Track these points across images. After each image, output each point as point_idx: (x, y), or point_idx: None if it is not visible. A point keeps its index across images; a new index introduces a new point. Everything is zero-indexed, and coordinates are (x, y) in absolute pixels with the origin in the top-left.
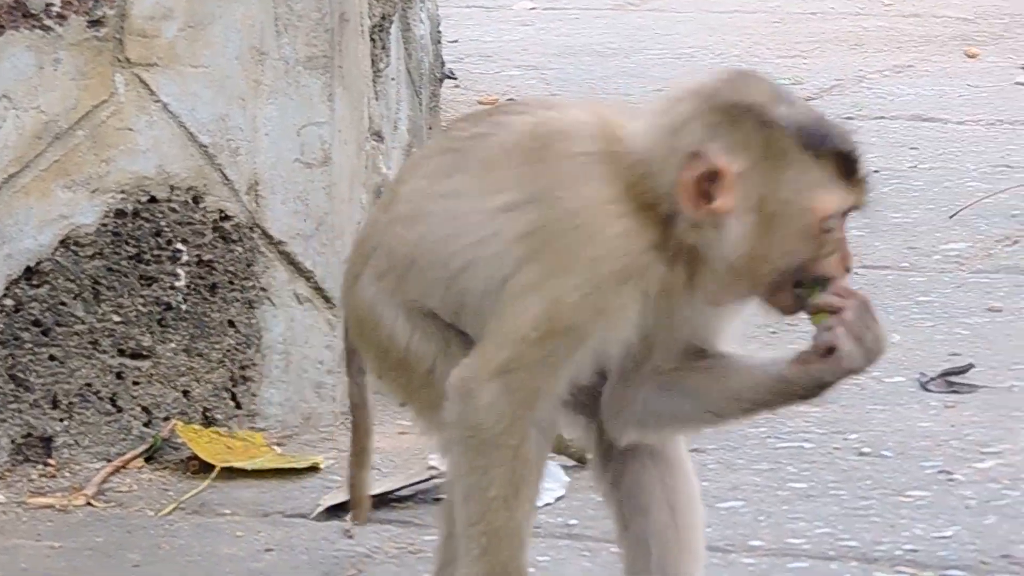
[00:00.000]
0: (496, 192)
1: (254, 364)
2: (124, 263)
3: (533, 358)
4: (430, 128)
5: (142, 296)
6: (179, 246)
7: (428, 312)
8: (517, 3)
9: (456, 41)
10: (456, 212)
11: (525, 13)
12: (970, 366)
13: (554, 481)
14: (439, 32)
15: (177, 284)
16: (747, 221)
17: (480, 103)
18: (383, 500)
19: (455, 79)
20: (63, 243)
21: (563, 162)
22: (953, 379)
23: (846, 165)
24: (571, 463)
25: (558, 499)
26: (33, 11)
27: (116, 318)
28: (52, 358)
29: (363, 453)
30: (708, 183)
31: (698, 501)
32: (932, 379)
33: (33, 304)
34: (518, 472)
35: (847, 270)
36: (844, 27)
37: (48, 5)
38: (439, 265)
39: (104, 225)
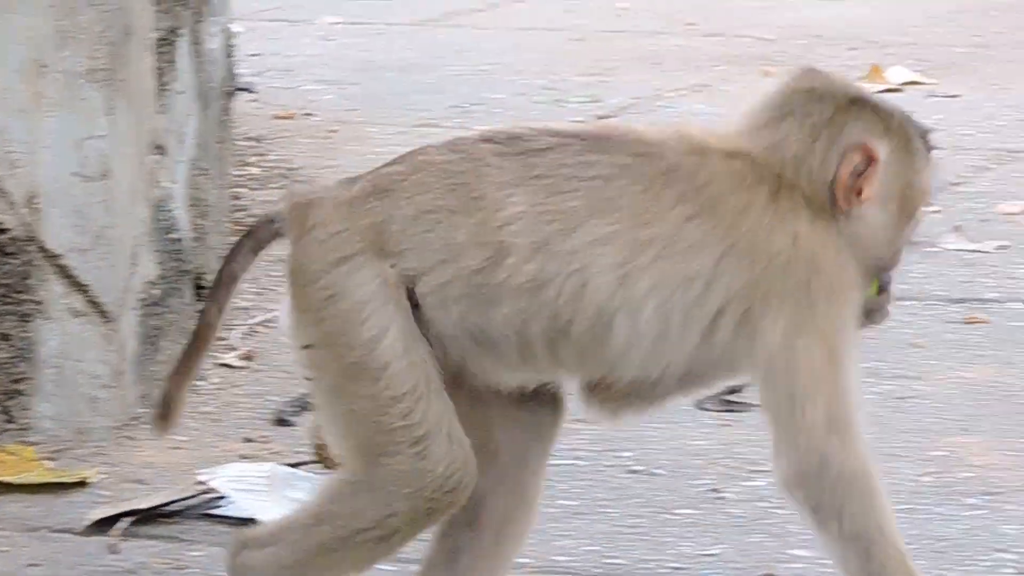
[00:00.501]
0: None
1: (27, 378)
2: None
3: (840, 390)
4: (220, 142)
5: None
6: None
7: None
8: (320, 17)
9: (258, 55)
10: (615, 262)
11: (328, 28)
12: (745, 385)
13: None
14: (231, 46)
15: None
16: (886, 209)
17: (276, 117)
18: (149, 516)
19: (253, 93)
20: None
21: (747, 209)
22: (728, 397)
23: (930, 153)
24: None
25: None
26: None
27: None
28: None
29: (193, 365)
30: (857, 176)
31: (523, 541)
32: (707, 398)
33: None
34: (880, 489)
35: None
36: (645, 46)
37: None
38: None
39: None
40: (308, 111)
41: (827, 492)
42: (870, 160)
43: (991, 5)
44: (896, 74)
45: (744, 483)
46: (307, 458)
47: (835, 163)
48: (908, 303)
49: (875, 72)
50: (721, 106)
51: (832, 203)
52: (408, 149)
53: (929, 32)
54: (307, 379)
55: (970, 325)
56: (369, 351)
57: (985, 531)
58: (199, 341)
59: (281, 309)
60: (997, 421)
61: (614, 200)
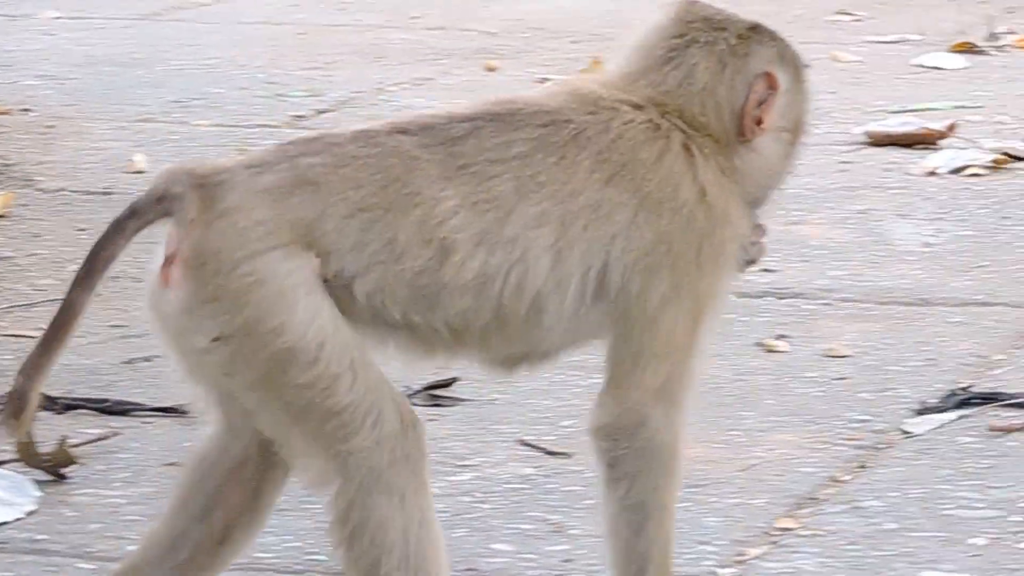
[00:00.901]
0: (589, 204)
1: None
2: None
3: (687, 363)
4: None
5: None
6: None
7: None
8: (41, 12)
9: None
10: (537, 237)
11: (49, 22)
12: (455, 379)
13: (24, 496)
14: None
15: None
16: (780, 139)
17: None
18: None
19: None
20: None
21: (660, 159)
22: (437, 392)
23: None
24: (46, 477)
25: (29, 514)
26: None
27: None
28: None
29: (53, 356)
30: (759, 105)
31: (250, 543)
32: (416, 392)
33: None
34: (680, 471)
35: None
36: (368, 39)
37: None
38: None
39: None
40: (26, 106)
41: (632, 453)
42: (773, 89)
43: None
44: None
45: (449, 477)
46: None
47: (742, 92)
48: None
49: (595, 65)
50: (443, 100)
51: (736, 133)
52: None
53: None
54: (214, 379)
55: None
56: (302, 334)
57: (688, 523)
58: (61, 330)
59: (159, 303)
60: (703, 414)
61: (536, 177)
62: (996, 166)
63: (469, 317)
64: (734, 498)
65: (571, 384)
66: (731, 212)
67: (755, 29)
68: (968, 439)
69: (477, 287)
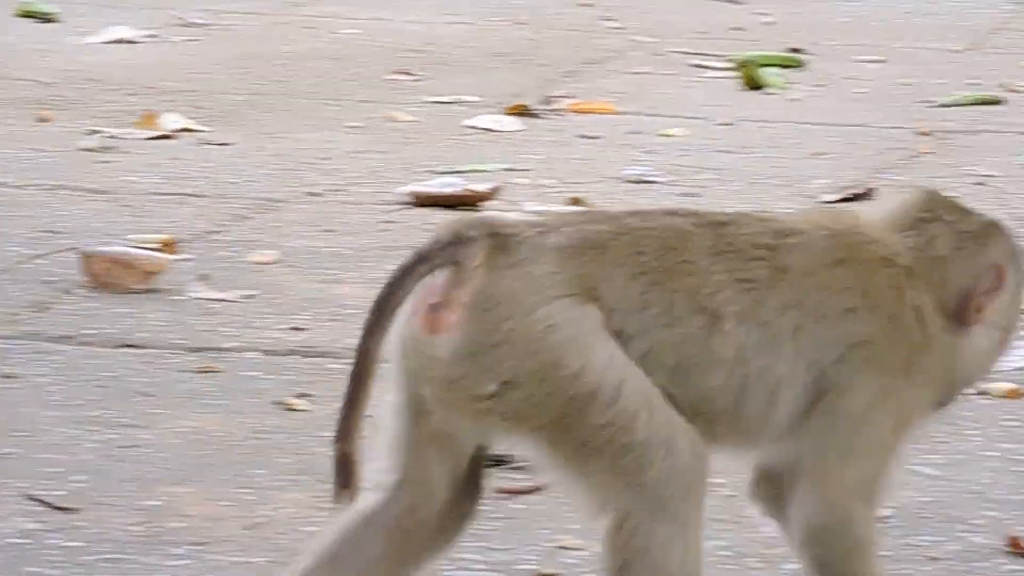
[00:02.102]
0: (820, 301)
1: None
2: None
3: (887, 465)
4: None
5: None
6: None
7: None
8: None
9: None
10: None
11: None
12: None
13: None
14: None
15: None
16: (993, 335)
17: None
18: None
19: None
20: None
21: (878, 271)
22: None
23: None
24: None
25: None
26: None
27: None
28: None
29: (361, 414)
30: (984, 295)
31: None
32: None
33: None
34: (876, 550)
35: None
36: None
37: None
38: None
39: None
40: None
41: (840, 552)
42: (1001, 284)
43: (273, 55)
44: (170, 120)
45: None
46: None
47: (972, 276)
48: (143, 351)
49: (148, 118)
50: None
51: (957, 314)
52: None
53: (211, 79)
54: (488, 424)
55: (203, 374)
56: (601, 376)
57: None
58: (363, 383)
59: (423, 349)
60: (216, 471)
61: (783, 267)
62: None
63: (715, 396)
64: (237, 556)
65: (83, 439)
66: (948, 349)
67: (996, 224)
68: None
69: (732, 364)
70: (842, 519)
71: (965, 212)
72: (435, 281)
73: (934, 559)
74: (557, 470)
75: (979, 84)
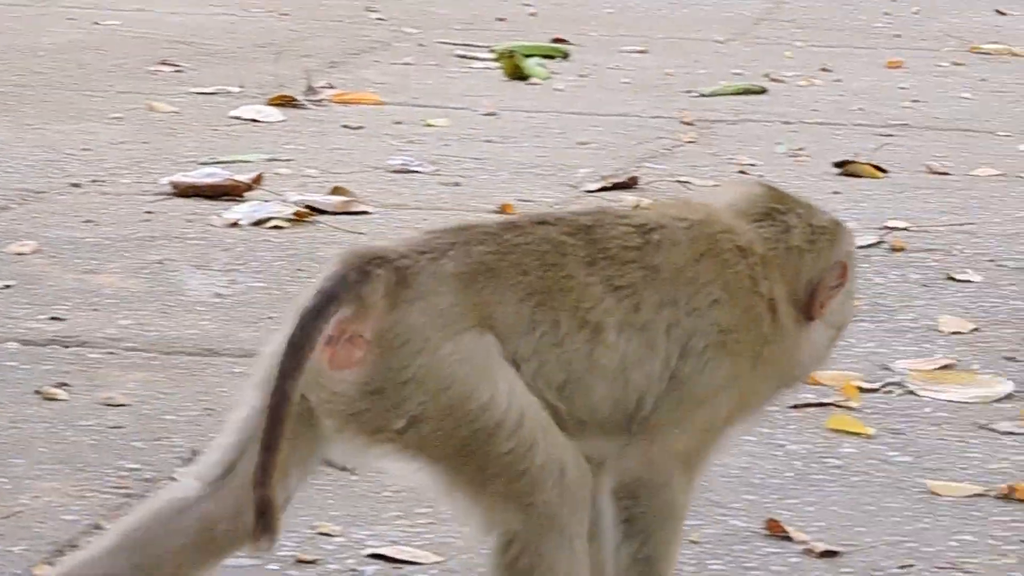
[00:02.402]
0: (690, 295)
1: None
2: None
3: (716, 443)
4: None
5: None
6: None
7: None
8: None
9: None
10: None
11: None
12: None
13: None
14: None
15: None
16: (826, 333)
17: None
18: None
19: None
20: None
21: (737, 261)
22: None
23: None
24: None
25: None
26: None
27: None
28: None
29: (278, 456)
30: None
31: None
32: None
33: None
34: (680, 537)
35: None
36: None
37: None
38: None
39: None
40: None
41: (649, 512)
42: (843, 283)
43: (34, 46)
44: None
45: None
46: None
47: (821, 271)
48: None
49: None
50: None
51: (803, 307)
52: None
53: None
54: (388, 457)
55: None
56: (507, 407)
57: None
58: (278, 426)
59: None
60: None
61: (654, 265)
62: (298, 219)
63: (600, 406)
64: None
65: None
66: (793, 339)
67: (840, 223)
68: None
69: (615, 373)
70: (660, 480)
71: (812, 208)
72: (337, 315)
73: (694, 542)
74: (450, 494)
75: (742, 74)
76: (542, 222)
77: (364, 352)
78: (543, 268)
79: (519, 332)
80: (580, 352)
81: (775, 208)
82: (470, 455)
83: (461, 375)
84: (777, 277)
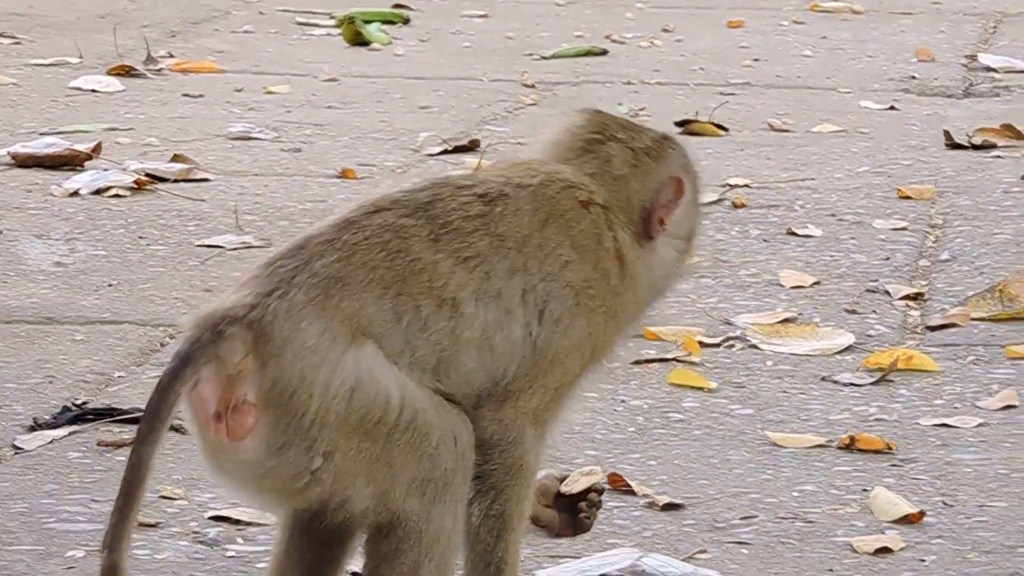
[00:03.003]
0: (541, 260)
1: None
2: None
3: (567, 399)
4: None
5: None
6: None
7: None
8: None
9: None
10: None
11: None
12: None
13: None
14: None
15: None
16: (675, 245)
17: None
18: None
19: None
20: None
21: (581, 218)
22: None
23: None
24: None
25: None
26: None
27: None
28: None
29: (132, 522)
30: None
31: None
32: None
33: None
34: (531, 493)
35: None
36: None
37: None
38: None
39: None
40: None
41: (500, 468)
42: (679, 195)
43: None
44: None
45: None
46: None
47: (652, 191)
48: None
49: None
50: None
51: (644, 227)
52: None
53: None
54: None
55: None
56: (400, 404)
57: None
58: (134, 490)
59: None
60: None
61: (499, 230)
62: (138, 187)
63: (472, 378)
64: None
65: None
66: (640, 281)
67: (668, 137)
68: (77, 454)
69: (479, 343)
70: (512, 438)
71: (635, 129)
72: (208, 388)
73: None
74: (358, 501)
75: (583, 36)
76: (377, 210)
77: (256, 416)
78: (389, 258)
79: (389, 328)
80: (444, 330)
81: (594, 139)
82: (379, 460)
83: (358, 397)
84: (617, 221)
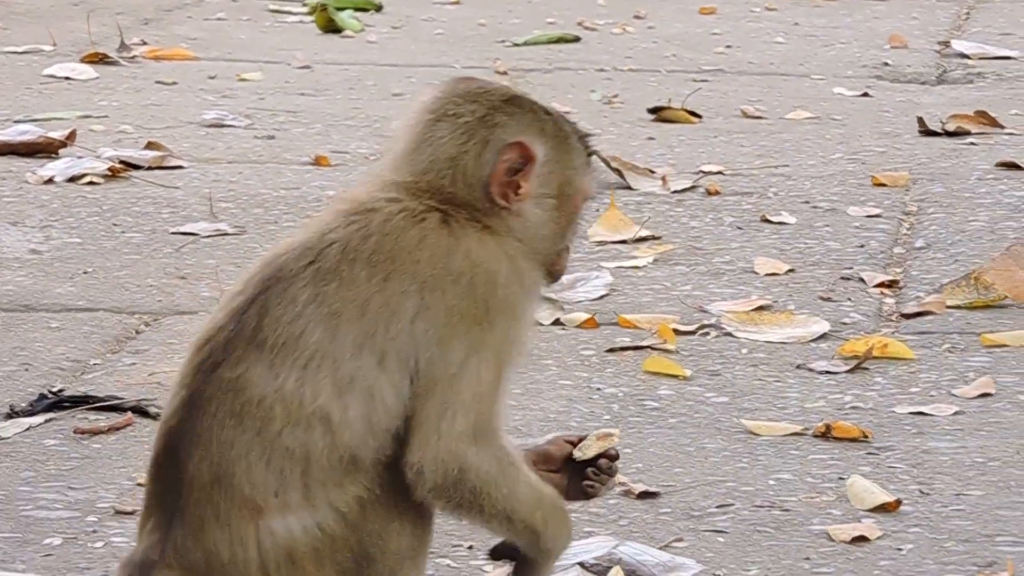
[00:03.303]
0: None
1: None
2: None
3: (494, 405)
4: None
5: None
6: None
7: None
8: None
9: None
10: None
11: None
12: None
13: None
14: None
15: None
16: (544, 206)
17: None
18: None
19: None
20: None
21: (420, 249)
22: None
23: (590, 155)
24: None
25: None
26: None
27: None
28: None
29: None
30: (514, 173)
31: None
32: None
33: None
34: (513, 470)
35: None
36: None
37: None
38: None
39: None
40: None
41: (466, 496)
42: (528, 158)
43: None
44: None
45: None
46: None
47: (491, 161)
48: None
49: None
50: None
51: (490, 202)
52: None
53: None
54: None
55: None
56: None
57: None
58: None
59: None
60: None
61: (332, 310)
62: (112, 174)
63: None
64: None
65: None
66: (509, 269)
67: (509, 100)
68: (53, 441)
69: (364, 428)
70: (457, 468)
71: (473, 97)
72: None
73: None
74: None
75: (555, 23)
76: (213, 366)
77: None
78: (240, 418)
79: (275, 482)
80: (325, 446)
81: (429, 120)
82: None
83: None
84: (460, 213)
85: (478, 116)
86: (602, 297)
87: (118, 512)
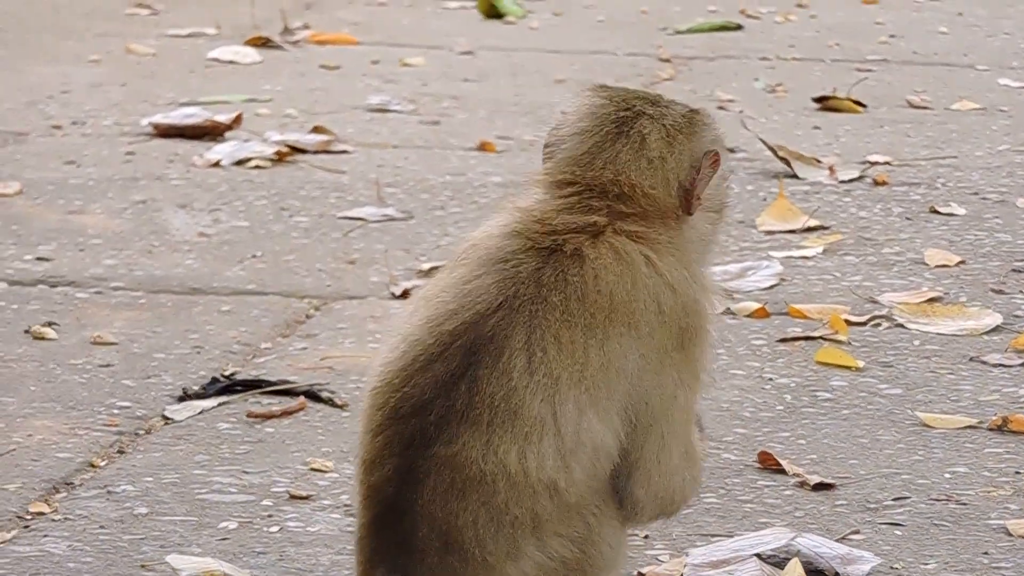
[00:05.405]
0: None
1: None
2: None
3: (694, 421)
4: None
5: None
6: None
7: None
8: None
9: None
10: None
11: None
12: None
13: None
14: None
15: None
16: (710, 217)
17: None
18: None
19: None
20: None
21: (635, 287)
22: None
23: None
24: None
25: None
26: None
27: None
28: None
29: None
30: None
31: None
32: None
33: None
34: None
35: None
36: None
37: None
38: None
39: None
40: None
41: (674, 513)
42: (714, 169)
43: None
44: None
45: None
46: None
47: (689, 167)
48: None
49: None
50: None
51: (684, 210)
52: None
53: None
54: None
55: None
56: None
57: None
58: None
59: None
60: None
61: (550, 370)
62: (279, 158)
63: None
64: None
65: None
66: (701, 294)
67: (695, 111)
68: (226, 425)
69: (586, 486)
70: (671, 500)
71: (661, 103)
72: None
73: None
74: None
75: (717, 11)
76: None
77: None
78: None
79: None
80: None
81: (624, 118)
82: None
83: None
84: (642, 228)
85: (677, 120)
86: (772, 287)
87: (292, 497)
